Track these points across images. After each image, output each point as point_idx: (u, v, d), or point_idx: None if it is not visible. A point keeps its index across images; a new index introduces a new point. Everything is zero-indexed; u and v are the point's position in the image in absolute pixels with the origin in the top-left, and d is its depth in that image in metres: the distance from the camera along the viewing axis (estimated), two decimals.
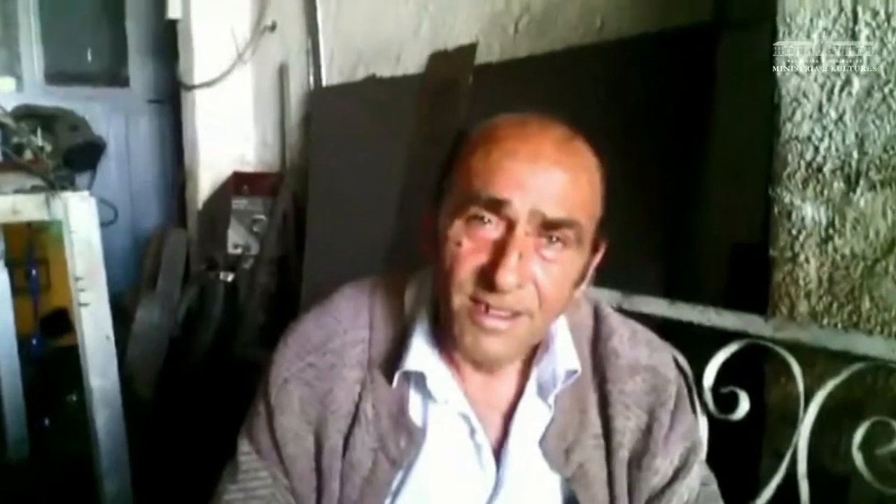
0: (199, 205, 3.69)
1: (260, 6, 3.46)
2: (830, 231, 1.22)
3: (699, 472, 0.91)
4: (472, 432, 0.85)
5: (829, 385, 1.18)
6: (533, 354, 0.87)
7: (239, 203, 3.32)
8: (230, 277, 3.22)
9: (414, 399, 0.87)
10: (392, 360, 0.86)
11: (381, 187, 2.60)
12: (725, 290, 1.59)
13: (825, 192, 1.22)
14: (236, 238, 3.28)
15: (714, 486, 0.94)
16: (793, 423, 1.22)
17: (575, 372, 0.85)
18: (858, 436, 1.13)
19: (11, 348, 2.80)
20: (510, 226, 0.75)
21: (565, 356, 0.86)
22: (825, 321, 1.24)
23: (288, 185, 3.28)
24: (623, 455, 0.87)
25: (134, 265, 4.04)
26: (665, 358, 0.93)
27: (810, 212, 1.24)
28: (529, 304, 0.77)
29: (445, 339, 0.85)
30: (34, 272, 3.21)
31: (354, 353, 0.87)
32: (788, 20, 1.22)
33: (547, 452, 0.85)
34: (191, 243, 3.71)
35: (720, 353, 1.29)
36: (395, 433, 0.84)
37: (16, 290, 2.87)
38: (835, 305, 1.23)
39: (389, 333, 0.89)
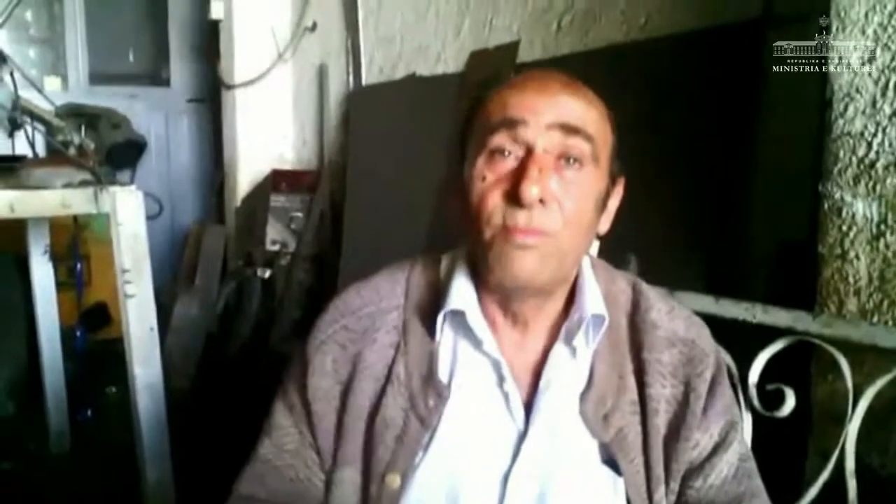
0: (238, 202, 3.74)
1: (301, 6, 3.51)
2: (882, 228, 1.21)
3: (738, 448, 0.91)
4: (502, 381, 0.87)
5: (879, 383, 1.17)
6: (565, 314, 0.89)
7: (277, 200, 3.37)
8: (267, 273, 3.27)
9: (444, 357, 0.89)
10: (426, 319, 0.90)
11: (418, 186, 2.61)
12: (769, 289, 1.58)
13: (877, 188, 1.21)
14: (274, 235, 3.32)
15: (752, 463, 0.93)
16: (840, 421, 1.21)
17: (602, 319, 0.86)
18: None
19: (55, 341, 2.85)
20: (529, 149, 0.80)
21: (592, 302, 0.87)
22: (875, 319, 1.22)
23: (326, 183, 3.31)
24: (658, 423, 0.87)
25: (172, 261, 4.10)
26: (703, 332, 0.94)
27: (861, 208, 1.23)
28: (555, 224, 0.80)
29: (482, 286, 0.88)
30: (79, 266, 3.27)
31: (389, 319, 0.91)
32: (842, 15, 1.21)
33: (586, 418, 0.86)
34: (229, 239, 3.76)
35: (766, 349, 1.27)
36: (424, 393, 0.87)
37: (59, 285, 2.93)
38: (885, 303, 1.22)
39: (425, 298, 0.92)
